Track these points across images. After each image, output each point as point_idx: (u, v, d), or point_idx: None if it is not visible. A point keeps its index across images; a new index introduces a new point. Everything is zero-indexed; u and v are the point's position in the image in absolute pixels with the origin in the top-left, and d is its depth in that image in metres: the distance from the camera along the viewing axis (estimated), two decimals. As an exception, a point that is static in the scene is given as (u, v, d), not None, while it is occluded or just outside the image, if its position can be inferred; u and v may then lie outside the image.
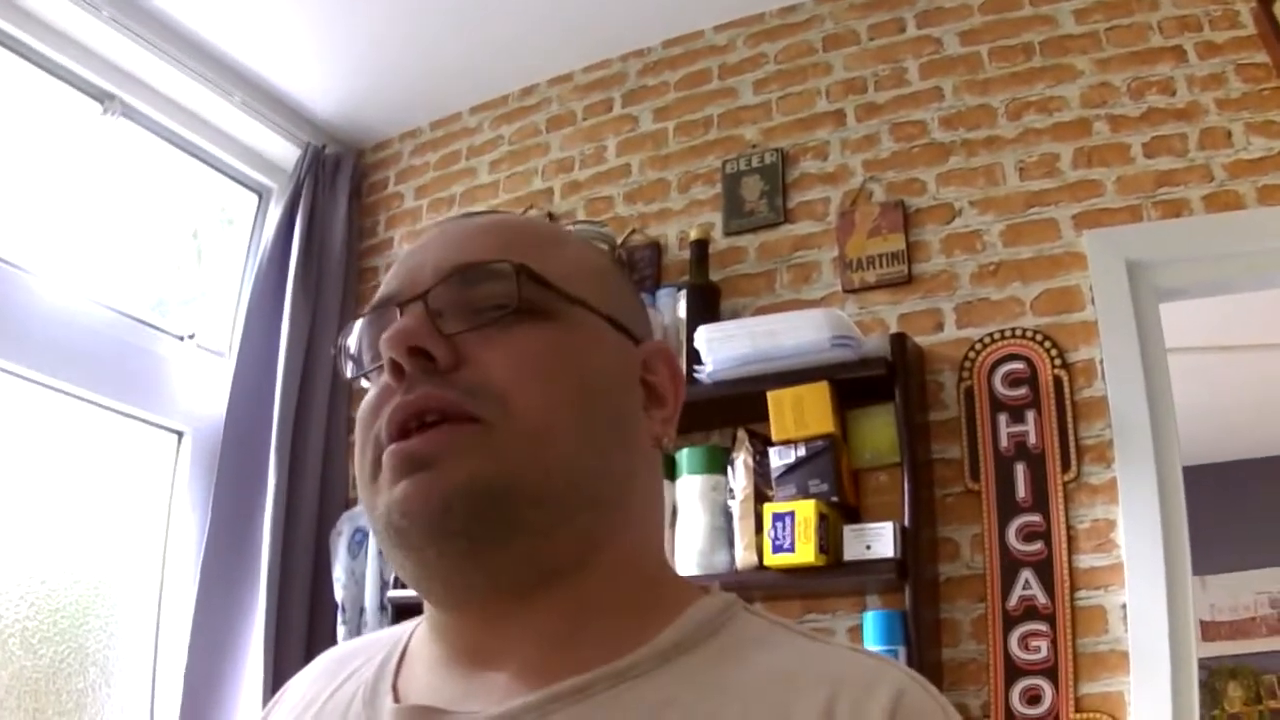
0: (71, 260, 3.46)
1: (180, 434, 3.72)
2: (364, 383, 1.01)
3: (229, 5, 3.59)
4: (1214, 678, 6.58)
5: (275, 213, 4.04)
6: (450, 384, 0.90)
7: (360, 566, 3.55)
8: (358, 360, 1.02)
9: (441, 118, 4.25)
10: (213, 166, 4.04)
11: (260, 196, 4.21)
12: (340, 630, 3.50)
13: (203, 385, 3.76)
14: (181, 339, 3.76)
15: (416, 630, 1.07)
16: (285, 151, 4.13)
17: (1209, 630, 6.63)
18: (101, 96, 3.60)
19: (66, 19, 3.38)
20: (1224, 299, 3.51)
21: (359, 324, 1.02)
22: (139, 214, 3.79)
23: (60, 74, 3.49)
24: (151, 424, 3.65)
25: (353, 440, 3.80)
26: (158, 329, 3.70)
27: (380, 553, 3.48)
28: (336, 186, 4.15)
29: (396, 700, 0.97)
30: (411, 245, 1.07)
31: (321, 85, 4.03)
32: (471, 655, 0.95)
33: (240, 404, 3.69)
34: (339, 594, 3.54)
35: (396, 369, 0.90)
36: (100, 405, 3.46)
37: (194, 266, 4.00)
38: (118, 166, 3.70)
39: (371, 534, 3.50)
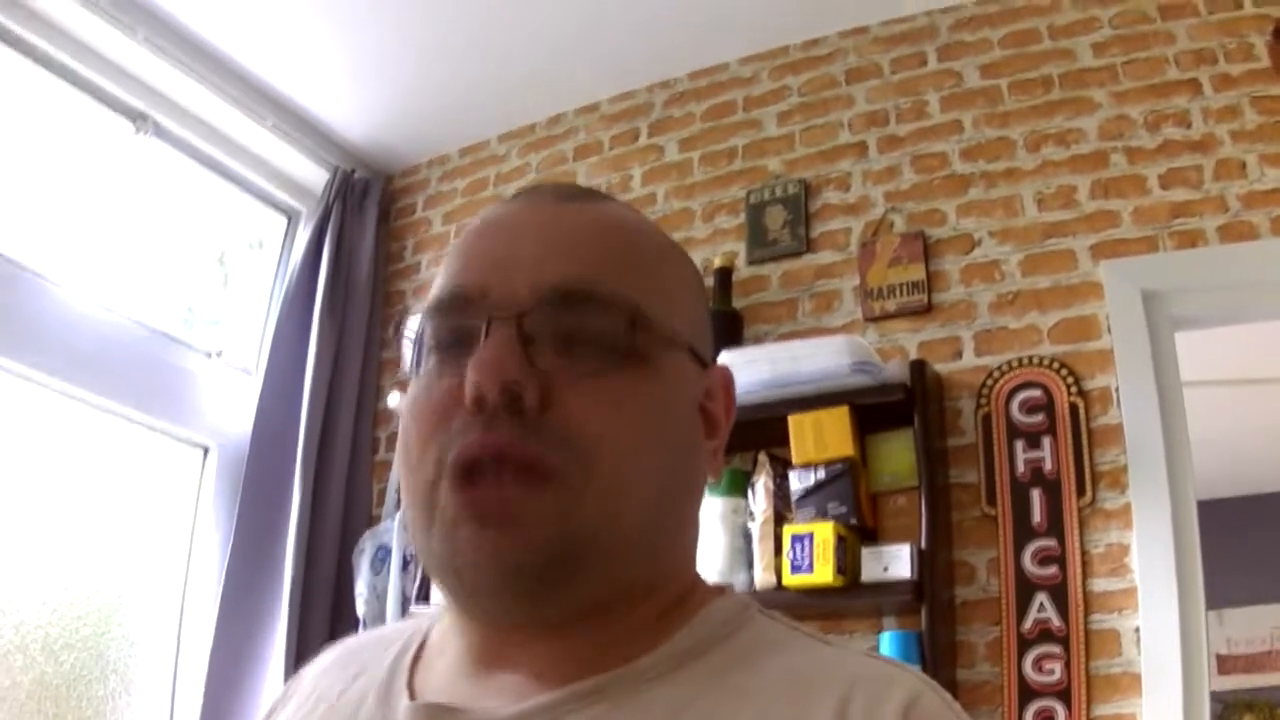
0: (102, 275, 3.51)
1: (206, 449, 3.76)
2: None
3: (262, 29, 3.65)
4: (1229, 711, 6.56)
5: (304, 235, 4.09)
6: (536, 431, 0.86)
7: (382, 583, 3.58)
8: (418, 346, 0.96)
9: (469, 145, 4.30)
10: (242, 188, 4.10)
11: (289, 219, 4.26)
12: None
13: (229, 401, 3.80)
14: (209, 355, 3.81)
15: (435, 627, 1.06)
16: (314, 175, 4.19)
17: (1225, 664, 6.61)
18: (134, 116, 3.66)
19: (102, 39, 3.45)
20: (1242, 332, 3.54)
21: (429, 309, 0.96)
22: (169, 232, 3.84)
23: (94, 92, 3.55)
24: (178, 438, 3.69)
25: (377, 460, 3.87)
26: (186, 345, 3.75)
27: (404, 568, 3.52)
28: (365, 211, 4.20)
29: (412, 697, 0.96)
30: (493, 215, 1.01)
31: (352, 110, 4.09)
32: (491, 656, 0.94)
33: (266, 421, 3.73)
34: (361, 610, 3.57)
35: (479, 399, 0.86)
36: (128, 418, 3.51)
37: (221, 289, 4.05)
38: (149, 185, 3.75)
39: (405, 536, 3.54)
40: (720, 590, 1.02)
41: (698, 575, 1.03)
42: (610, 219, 1.00)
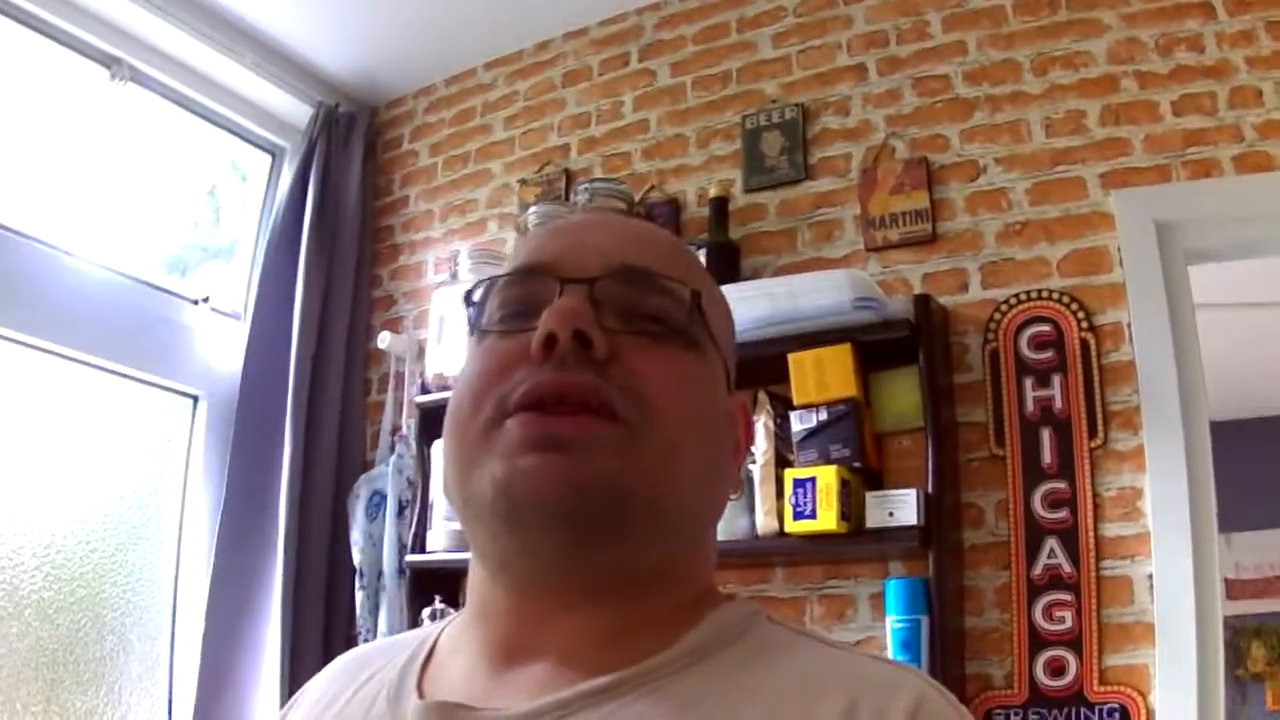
0: (84, 228, 3.44)
1: (196, 398, 3.72)
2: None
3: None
4: (1237, 637, 6.55)
5: (289, 173, 4.02)
6: (601, 375, 0.90)
7: (378, 530, 3.54)
8: (480, 311, 1.01)
9: (456, 74, 4.21)
10: (224, 128, 4.01)
11: (273, 157, 4.19)
12: (358, 594, 3.49)
13: (218, 348, 3.76)
14: (196, 302, 3.75)
15: (446, 630, 1.07)
16: (298, 111, 4.09)
17: (1233, 588, 6.59)
18: (108, 62, 3.56)
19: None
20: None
21: (499, 281, 1.01)
22: (151, 179, 3.76)
23: (66, 40, 3.45)
24: (167, 389, 3.64)
25: (369, 402, 3.80)
26: (172, 293, 3.69)
27: (399, 514, 3.47)
28: (350, 145, 4.11)
29: (422, 697, 0.96)
30: (560, 221, 1.08)
31: (333, 43, 3.99)
32: (505, 650, 0.95)
33: (255, 366, 3.68)
34: (357, 558, 3.53)
35: (550, 342, 0.90)
36: (115, 371, 3.45)
37: (210, 224, 3.97)
38: (128, 132, 3.66)
39: (400, 480, 3.50)
40: (730, 596, 1.04)
41: (711, 581, 1.05)
42: (668, 235, 1.10)
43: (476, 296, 1.02)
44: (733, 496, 1.06)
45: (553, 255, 0.99)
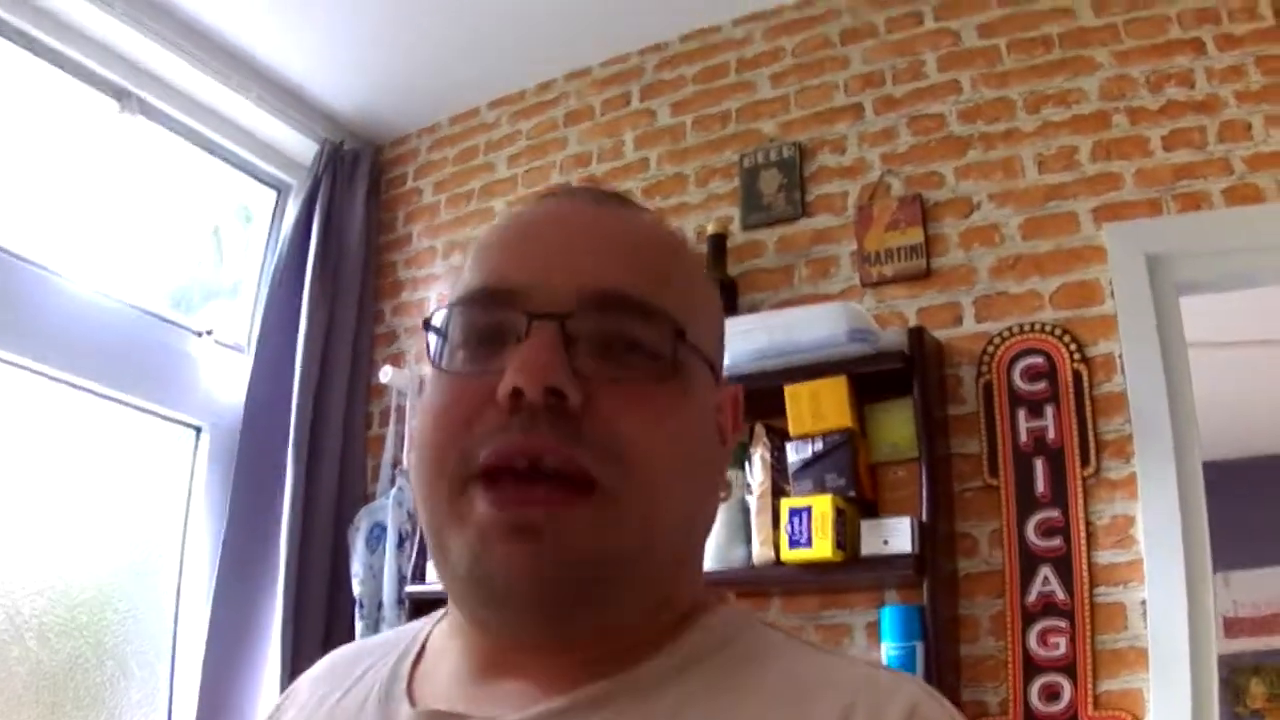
0: (91, 257, 3.48)
1: (199, 429, 3.75)
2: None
3: (245, 0, 3.59)
4: (1236, 674, 6.55)
5: (294, 209, 4.06)
6: (574, 435, 0.85)
7: (378, 561, 3.56)
8: (442, 337, 0.94)
9: (459, 113, 4.26)
10: (231, 163, 4.06)
11: (279, 192, 4.23)
12: (358, 625, 3.51)
13: (222, 380, 3.78)
14: (200, 334, 3.78)
15: (435, 629, 1.05)
16: (304, 148, 4.14)
17: (1232, 626, 6.60)
18: (118, 94, 3.61)
19: (81, 16, 3.39)
20: (1250, 293, 3.48)
21: (462, 300, 0.94)
22: (158, 211, 3.80)
23: (76, 72, 3.50)
24: (170, 419, 3.67)
25: (371, 435, 3.84)
26: (177, 325, 3.72)
27: (399, 546, 3.50)
28: (355, 182, 4.16)
29: (413, 703, 0.95)
30: (528, 212, 1.00)
31: (339, 81, 4.04)
32: (493, 664, 0.93)
33: (258, 399, 3.71)
34: (357, 589, 3.55)
35: (517, 397, 0.84)
36: (120, 400, 3.48)
37: (214, 262, 4.01)
38: (136, 163, 3.71)
39: (400, 513, 3.53)
40: (721, 599, 1.02)
41: (700, 589, 1.02)
42: (647, 230, 1.00)
43: (437, 322, 0.95)
44: (723, 497, 1.04)
45: (519, 279, 0.91)
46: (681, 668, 0.91)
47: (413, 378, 3.83)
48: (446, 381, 0.92)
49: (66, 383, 3.32)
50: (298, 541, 3.57)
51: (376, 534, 3.61)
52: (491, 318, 0.91)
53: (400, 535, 3.55)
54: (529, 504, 0.84)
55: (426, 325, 0.95)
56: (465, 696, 0.93)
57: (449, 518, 0.87)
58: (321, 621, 3.59)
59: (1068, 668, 2.70)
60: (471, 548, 0.85)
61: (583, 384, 0.86)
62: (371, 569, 3.56)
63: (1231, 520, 6.19)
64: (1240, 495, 6.26)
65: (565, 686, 0.88)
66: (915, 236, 3.21)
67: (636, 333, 0.90)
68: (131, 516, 3.49)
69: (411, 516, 3.55)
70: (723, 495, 1.03)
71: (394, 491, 3.64)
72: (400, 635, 1.09)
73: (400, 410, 3.87)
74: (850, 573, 2.82)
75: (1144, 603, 2.68)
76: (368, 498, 3.84)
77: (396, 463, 3.77)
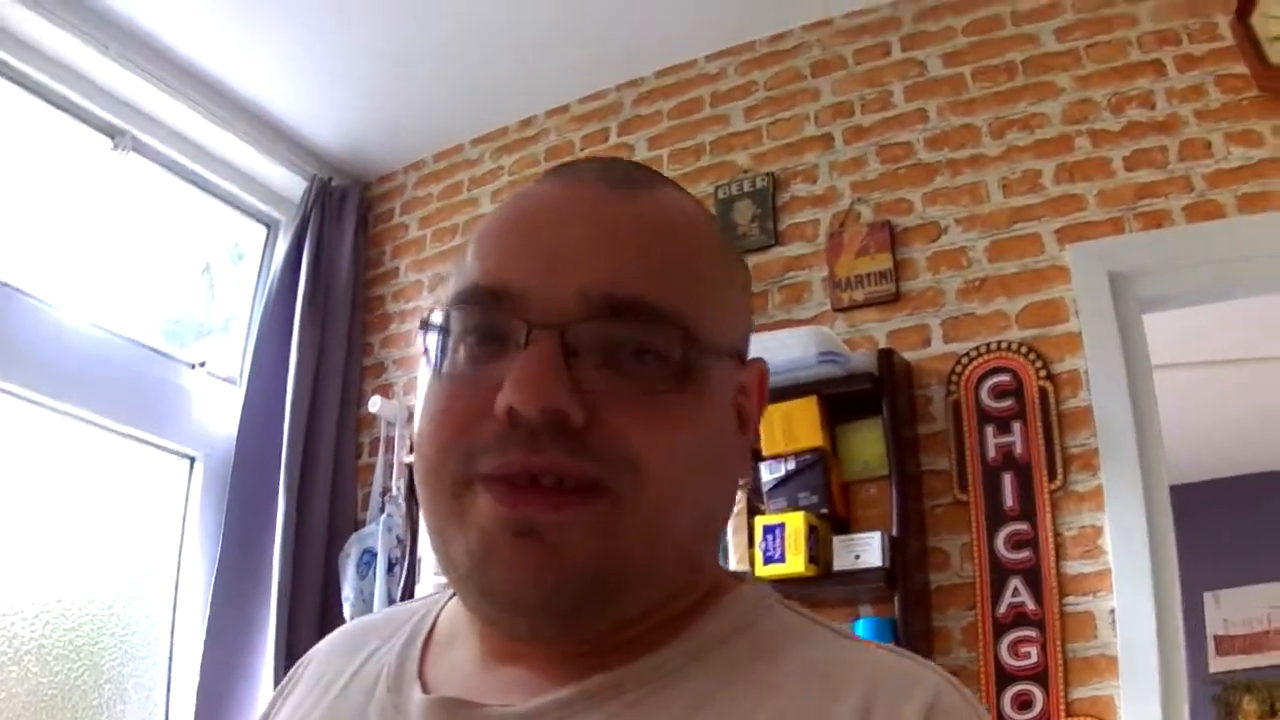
0: (86, 290, 3.55)
1: (193, 458, 3.81)
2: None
3: (235, 41, 3.69)
4: (1229, 691, 6.56)
5: (283, 244, 4.14)
6: (580, 448, 0.81)
7: (369, 587, 3.61)
8: (442, 337, 0.89)
9: (444, 149, 4.33)
10: (222, 199, 4.14)
11: (269, 228, 4.30)
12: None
13: (215, 411, 3.85)
14: (193, 366, 3.84)
15: (446, 608, 1.02)
16: (292, 184, 4.22)
17: (1223, 644, 6.63)
18: (112, 132, 3.70)
19: (76, 56, 3.47)
20: (1238, 311, 3.54)
21: (460, 298, 0.88)
22: (151, 245, 3.87)
23: (71, 110, 3.59)
24: (165, 449, 3.73)
25: (360, 465, 3.90)
26: (170, 357, 3.79)
27: (389, 571, 3.55)
28: (343, 218, 4.24)
29: (424, 688, 0.92)
30: (533, 197, 0.93)
31: (327, 119, 4.12)
32: (505, 652, 0.91)
33: (250, 429, 3.77)
34: (348, 613, 3.60)
35: (515, 418, 0.80)
36: (115, 430, 3.55)
37: (205, 298, 4.08)
38: (129, 199, 3.79)
39: (390, 539, 3.58)
40: (739, 578, 0.98)
41: (717, 571, 0.98)
42: (663, 214, 0.92)
43: (436, 320, 0.89)
44: (742, 484, 1.01)
45: (518, 281, 0.85)
46: (700, 653, 0.88)
47: (401, 408, 3.89)
48: (446, 384, 0.88)
49: (64, 412, 3.38)
50: (290, 567, 3.62)
51: (367, 560, 3.67)
52: (490, 318, 0.86)
53: (390, 561, 3.60)
54: (534, 504, 0.81)
55: (424, 325, 0.89)
56: (476, 683, 0.90)
57: (450, 516, 0.85)
58: (313, 645, 3.63)
59: (1039, 676, 2.75)
60: (473, 548, 0.83)
61: (586, 398, 0.81)
62: (362, 594, 3.61)
63: (1219, 539, 6.28)
64: (1229, 513, 6.33)
65: (576, 675, 0.86)
66: (884, 262, 3.29)
67: (644, 338, 0.84)
68: (128, 543, 3.55)
69: (401, 542, 3.61)
70: (742, 482, 1.04)
71: (383, 518, 3.69)
72: (411, 611, 1.06)
73: (389, 440, 3.93)
74: (823, 587, 2.86)
75: (1113, 611, 2.74)
76: (358, 524, 3.88)
77: (386, 490, 3.82)
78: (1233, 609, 6.62)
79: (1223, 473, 6.51)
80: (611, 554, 0.82)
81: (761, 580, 1.00)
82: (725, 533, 0.85)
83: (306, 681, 1.05)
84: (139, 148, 3.79)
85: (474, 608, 0.89)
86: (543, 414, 0.79)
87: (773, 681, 0.85)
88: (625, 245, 0.87)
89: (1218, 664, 6.59)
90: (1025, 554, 2.87)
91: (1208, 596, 6.59)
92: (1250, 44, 3.00)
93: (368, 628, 1.08)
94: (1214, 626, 6.63)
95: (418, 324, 0.94)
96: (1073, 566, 2.83)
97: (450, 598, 1.01)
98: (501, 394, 0.80)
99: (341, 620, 3.60)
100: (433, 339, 0.89)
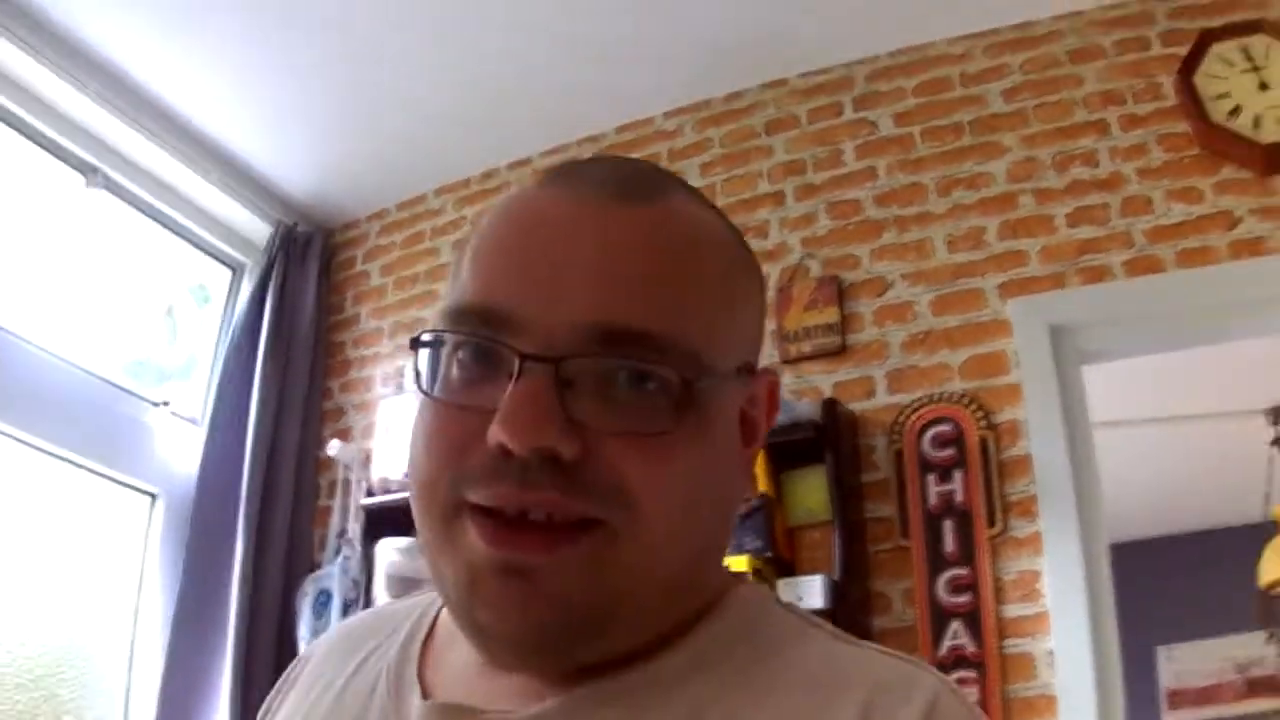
0: (54, 325, 3.58)
1: (154, 496, 3.82)
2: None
3: (209, 86, 3.76)
4: (1182, 746, 6.62)
5: (248, 287, 4.20)
6: (573, 485, 0.79)
7: (323, 627, 3.63)
8: (434, 354, 0.86)
9: (407, 199, 4.38)
10: (189, 241, 4.18)
11: (234, 271, 4.35)
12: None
13: (177, 450, 3.88)
14: (157, 405, 3.88)
15: (443, 609, 0.99)
16: (258, 229, 4.28)
17: (1175, 698, 6.66)
18: (85, 169, 3.75)
19: (55, 93, 3.54)
20: (1180, 370, 3.60)
21: (453, 315, 0.85)
22: (119, 283, 3.91)
23: (47, 146, 3.64)
24: (127, 485, 3.76)
25: (319, 506, 3.93)
26: (135, 395, 3.83)
27: (344, 612, 3.59)
28: (307, 264, 4.29)
29: (425, 692, 0.91)
30: (534, 207, 0.88)
31: (295, 166, 4.19)
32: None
33: (211, 469, 3.81)
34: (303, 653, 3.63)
35: (507, 452, 0.78)
36: (78, 465, 3.57)
37: (170, 342, 4.12)
38: (100, 237, 3.83)
39: (345, 580, 3.62)
40: (738, 579, 0.97)
41: (720, 575, 0.96)
42: (673, 230, 0.87)
43: (427, 338, 0.86)
44: (747, 498, 0.97)
45: (514, 305, 0.82)
46: (696, 664, 0.86)
47: (358, 451, 3.94)
48: (437, 405, 0.85)
49: (28, 445, 3.41)
50: (247, 606, 3.65)
51: (323, 600, 3.69)
52: (482, 341, 0.83)
53: (345, 601, 3.63)
54: (522, 544, 0.79)
55: (415, 343, 0.86)
56: (476, 688, 0.89)
57: (441, 541, 0.83)
58: (269, 683, 3.54)
59: (979, 717, 2.81)
60: (460, 580, 0.82)
61: (581, 432, 0.79)
62: (317, 634, 3.63)
63: (1171, 595, 6.35)
64: (1178, 570, 6.41)
65: (577, 682, 0.85)
66: (832, 315, 3.37)
67: (644, 368, 0.81)
68: (88, 576, 3.57)
69: (356, 584, 3.65)
70: (747, 497, 1.00)
71: (340, 560, 3.72)
72: (409, 609, 1.04)
73: (347, 483, 3.97)
74: (768, 629, 2.91)
75: (1051, 652, 2.81)
76: (314, 565, 3.92)
77: (342, 533, 3.85)
78: (1185, 663, 6.67)
79: (1174, 529, 6.57)
80: (602, 593, 0.81)
81: (760, 584, 1.00)
82: (727, 546, 0.82)
83: (304, 682, 1.05)
84: (111, 186, 3.84)
85: (463, 633, 0.86)
86: (534, 453, 0.77)
87: (772, 687, 0.84)
88: (629, 271, 0.83)
89: (1170, 718, 6.65)
90: (965, 598, 2.94)
91: (1160, 651, 6.64)
92: (1193, 102, 3.12)
93: (365, 627, 1.07)
94: (1166, 680, 6.68)
95: (409, 342, 0.89)
96: (1012, 610, 2.90)
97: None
98: (493, 427, 0.78)
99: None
100: (424, 356, 0.86)
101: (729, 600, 0.92)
